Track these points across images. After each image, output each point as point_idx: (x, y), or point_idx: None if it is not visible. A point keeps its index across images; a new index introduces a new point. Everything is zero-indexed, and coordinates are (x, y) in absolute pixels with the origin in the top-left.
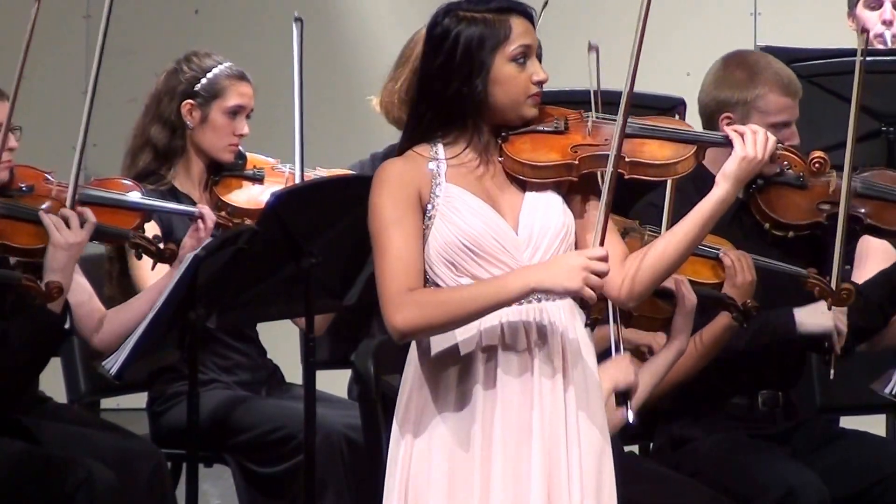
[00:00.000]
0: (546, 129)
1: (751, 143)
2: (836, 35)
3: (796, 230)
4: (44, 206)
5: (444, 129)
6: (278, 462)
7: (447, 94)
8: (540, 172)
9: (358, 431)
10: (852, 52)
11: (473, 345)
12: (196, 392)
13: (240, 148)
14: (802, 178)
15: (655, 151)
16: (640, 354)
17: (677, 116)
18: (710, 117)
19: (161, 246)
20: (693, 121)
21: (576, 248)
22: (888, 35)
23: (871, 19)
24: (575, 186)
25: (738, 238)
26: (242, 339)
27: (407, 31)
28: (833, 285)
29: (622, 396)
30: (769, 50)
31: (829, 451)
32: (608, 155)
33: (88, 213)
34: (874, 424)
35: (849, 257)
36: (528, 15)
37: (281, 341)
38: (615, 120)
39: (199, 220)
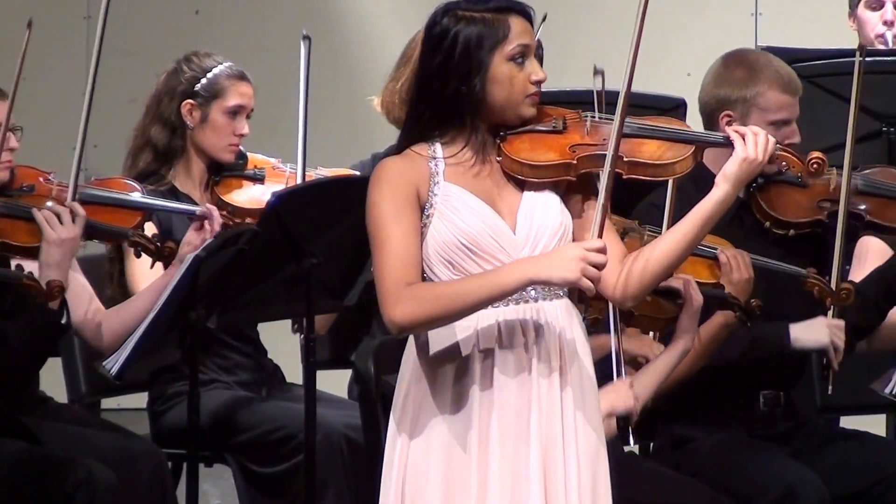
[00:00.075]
0: (544, 128)
1: (752, 145)
2: (837, 36)
3: (797, 228)
4: (48, 206)
5: (442, 128)
6: (279, 462)
7: (445, 94)
8: (538, 172)
9: (358, 431)
10: (853, 53)
11: (471, 343)
12: (196, 392)
13: (241, 148)
14: (801, 178)
15: (654, 151)
16: (637, 366)
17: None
18: (711, 116)
19: (160, 244)
20: (694, 121)
21: None
22: (889, 35)
23: (872, 20)
24: (573, 186)
25: (739, 237)
26: (243, 340)
27: (408, 31)
28: (833, 285)
29: (623, 421)
30: (770, 50)
31: (829, 451)
32: (606, 154)
33: (78, 207)
34: (874, 424)
35: (848, 256)
36: (526, 14)
37: (281, 341)
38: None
39: (206, 220)
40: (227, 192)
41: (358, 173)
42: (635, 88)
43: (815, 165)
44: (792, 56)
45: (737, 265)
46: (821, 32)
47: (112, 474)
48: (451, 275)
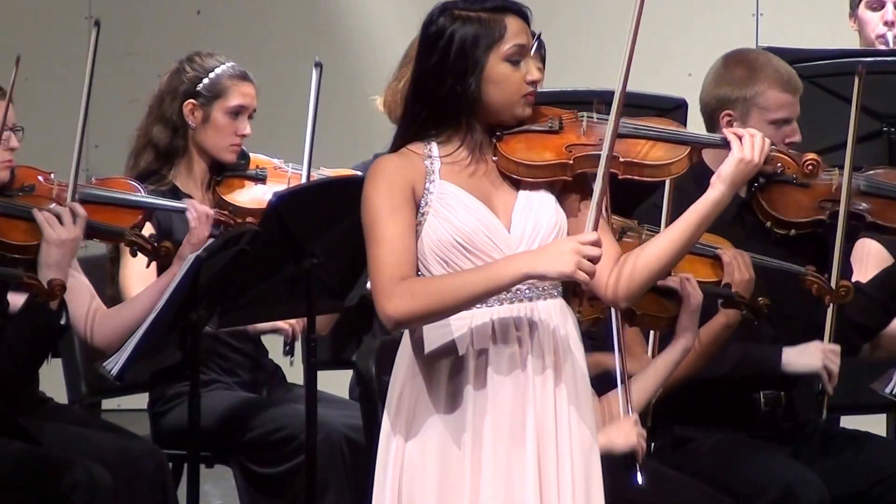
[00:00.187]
0: (540, 128)
1: (748, 146)
2: (838, 36)
3: (798, 228)
4: (50, 207)
5: (438, 127)
6: (279, 462)
7: (441, 93)
8: (534, 172)
9: (359, 432)
10: (854, 53)
11: (465, 341)
12: (197, 393)
13: (243, 148)
14: (796, 179)
15: (650, 152)
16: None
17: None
18: (711, 115)
19: (157, 244)
20: (695, 121)
21: None
22: (890, 36)
23: (873, 20)
24: (569, 185)
25: (741, 237)
26: (243, 340)
27: (409, 31)
28: (833, 284)
29: (630, 459)
30: (771, 51)
31: (829, 451)
32: (602, 155)
33: (79, 208)
34: (875, 424)
35: (847, 255)
36: (523, 14)
37: (282, 341)
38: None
39: (192, 214)
40: (228, 192)
41: (360, 174)
42: (636, 89)
43: (809, 167)
44: (793, 56)
45: (738, 265)
46: (821, 33)
47: (110, 475)
48: (445, 273)
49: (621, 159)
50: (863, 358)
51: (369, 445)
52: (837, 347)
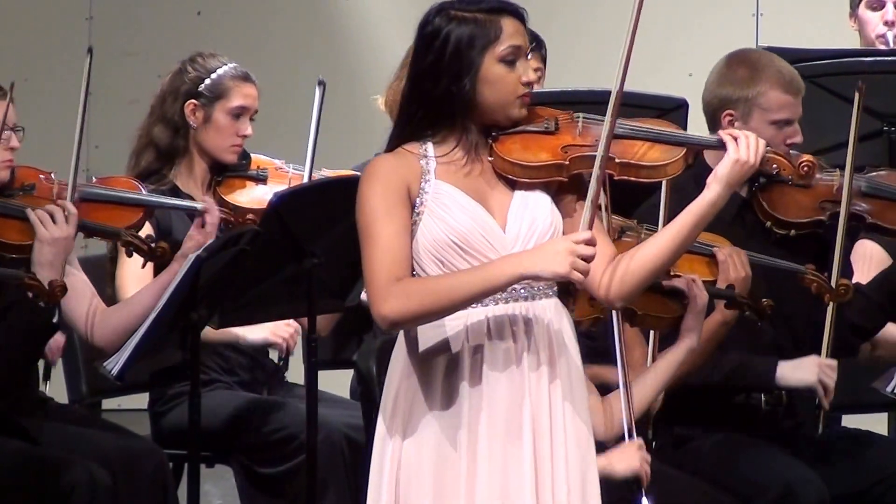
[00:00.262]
0: (536, 129)
1: (744, 147)
2: (838, 36)
3: (798, 229)
4: (44, 206)
5: (433, 127)
6: (280, 462)
7: (436, 93)
8: (530, 172)
9: (359, 431)
10: (854, 53)
11: (460, 338)
12: (197, 392)
13: (244, 148)
14: (792, 181)
15: (646, 153)
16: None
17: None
18: (713, 115)
19: (153, 245)
20: (696, 121)
21: None
22: (890, 36)
23: (873, 20)
24: (564, 186)
25: (741, 236)
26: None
27: (411, 31)
28: (832, 282)
29: (634, 484)
30: (772, 51)
31: (830, 451)
32: (597, 155)
33: (71, 206)
34: (876, 423)
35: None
36: (519, 16)
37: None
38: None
39: (205, 215)
40: (229, 192)
41: (360, 174)
42: (636, 88)
43: (805, 168)
44: (793, 56)
45: (734, 263)
46: (821, 33)
47: (109, 475)
48: (440, 272)
49: (617, 160)
50: (862, 359)
51: (370, 445)
52: (834, 362)
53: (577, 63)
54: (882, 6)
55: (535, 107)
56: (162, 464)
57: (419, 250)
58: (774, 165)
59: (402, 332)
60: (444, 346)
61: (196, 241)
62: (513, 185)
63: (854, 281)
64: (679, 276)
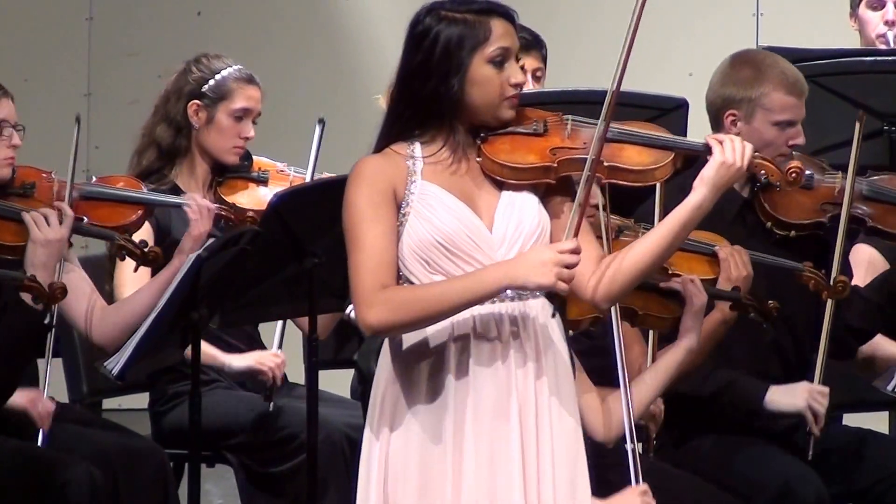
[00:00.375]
0: (525, 130)
1: (729, 150)
2: (839, 36)
3: (798, 230)
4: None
5: (421, 127)
6: (280, 462)
7: (424, 93)
8: (518, 174)
9: (360, 431)
10: (854, 53)
11: (446, 336)
12: (198, 392)
13: (247, 150)
14: (780, 186)
15: (634, 157)
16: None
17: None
18: (716, 115)
19: (145, 249)
20: (697, 121)
21: None
22: (890, 35)
23: (874, 20)
24: (552, 188)
25: (741, 236)
26: (244, 340)
27: None
28: (830, 280)
29: None
30: (772, 50)
31: (831, 449)
32: (587, 158)
33: (66, 208)
34: (877, 422)
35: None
36: (509, 17)
37: (283, 341)
38: (595, 123)
39: (192, 207)
40: (230, 192)
41: None
42: (637, 89)
43: (793, 175)
44: (794, 56)
45: (735, 262)
46: (821, 33)
47: (106, 474)
48: (426, 273)
49: (605, 163)
50: (857, 370)
51: None
52: (825, 389)
53: (577, 63)
54: (882, 6)
55: (524, 108)
56: (162, 463)
57: (405, 251)
58: (763, 171)
59: (387, 338)
60: (428, 345)
61: (193, 240)
62: (500, 186)
63: (853, 283)
64: (679, 276)
